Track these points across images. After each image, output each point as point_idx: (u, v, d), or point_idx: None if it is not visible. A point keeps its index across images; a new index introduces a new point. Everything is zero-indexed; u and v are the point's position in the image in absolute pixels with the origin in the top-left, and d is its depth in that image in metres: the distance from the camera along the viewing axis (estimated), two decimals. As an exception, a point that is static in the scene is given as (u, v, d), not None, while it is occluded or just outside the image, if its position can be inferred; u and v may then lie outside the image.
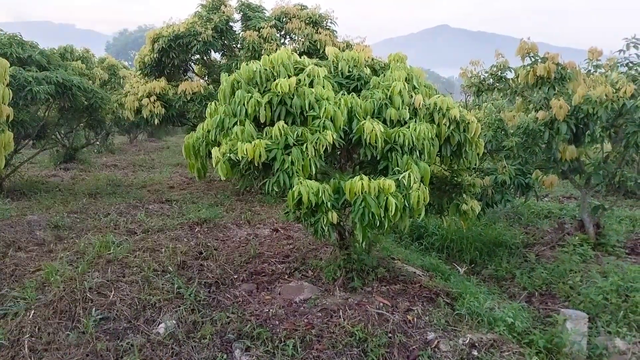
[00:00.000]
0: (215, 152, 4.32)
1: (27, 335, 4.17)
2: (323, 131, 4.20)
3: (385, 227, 3.91)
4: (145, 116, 8.69)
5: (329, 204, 3.97)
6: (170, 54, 8.77)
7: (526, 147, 6.53)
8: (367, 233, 4.00)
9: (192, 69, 10.26)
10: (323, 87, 4.57)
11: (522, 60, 6.90)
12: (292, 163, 4.11)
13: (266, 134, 4.35)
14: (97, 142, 15.58)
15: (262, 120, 4.42)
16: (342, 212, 4.65)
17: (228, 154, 4.28)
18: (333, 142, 4.20)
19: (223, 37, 8.96)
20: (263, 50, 8.40)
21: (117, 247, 5.87)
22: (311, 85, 4.66)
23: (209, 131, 4.93)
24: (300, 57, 8.15)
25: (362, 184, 3.88)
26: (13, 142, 5.32)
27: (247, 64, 4.74)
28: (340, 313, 4.76)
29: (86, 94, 9.28)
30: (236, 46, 9.42)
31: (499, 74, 7.41)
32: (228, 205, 8.71)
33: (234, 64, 8.42)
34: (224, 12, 8.93)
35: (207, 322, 4.52)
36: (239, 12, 9.33)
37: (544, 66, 6.57)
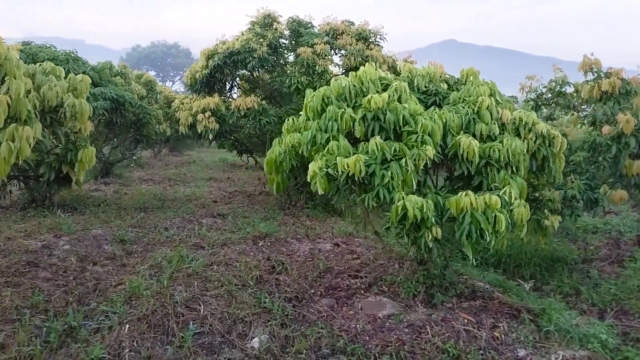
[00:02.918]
0: (313, 166, 4.35)
1: (127, 350, 4.18)
2: (421, 146, 4.22)
3: (493, 243, 3.91)
4: (200, 131, 8.79)
5: (433, 219, 3.98)
6: (224, 71, 8.89)
7: (593, 162, 6.52)
8: (475, 250, 3.99)
9: (237, 84, 10.38)
10: (415, 102, 4.60)
11: (584, 75, 6.92)
12: (392, 178, 4.13)
13: (361, 149, 4.38)
14: (134, 157, 15.71)
15: (357, 135, 4.46)
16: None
17: (325, 169, 4.31)
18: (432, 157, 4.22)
19: (276, 53, 9.08)
20: (317, 66, 8.50)
21: (192, 261, 5.89)
22: (399, 100, 4.69)
23: (292, 146, 5.00)
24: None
25: (470, 199, 3.89)
26: (95, 158, 5.40)
27: (336, 80, 4.80)
28: (428, 329, 4.74)
29: (135, 109, 9.40)
30: (285, 62, 9.53)
31: (558, 88, 7.43)
32: (281, 220, 8.72)
33: (287, 80, 8.52)
34: (276, 29, 9.07)
35: (298, 337, 4.52)
36: (288, 29, 9.46)
37: (609, 81, 6.59)
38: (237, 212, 9.31)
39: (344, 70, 8.98)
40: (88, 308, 4.81)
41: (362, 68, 5.01)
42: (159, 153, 24.09)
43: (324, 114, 4.65)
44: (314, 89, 8.80)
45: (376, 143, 4.25)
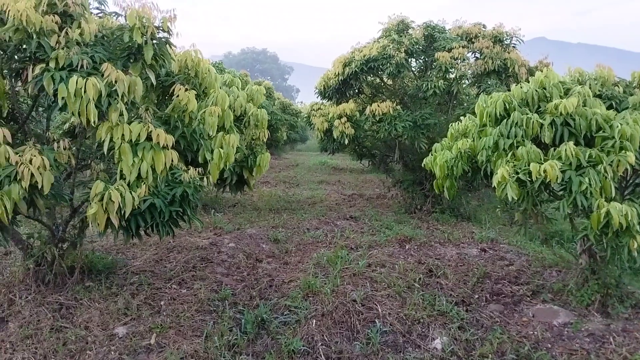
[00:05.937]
0: (501, 172, 4.37)
1: (320, 344, 4.42)
2: (620, 152, 4.12)
3: None
4: (335, 136, 9.08)
5: (638, 227, 3.87)
6: (360, 77, 9.14)
7: None
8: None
9: (363, 90, 10.58)
10: (603, 107, 4.50)
11: None
12: (590, 184, 4.06)
13: (551, 155, 4.35)
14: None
15: (546, 141, 4.43)
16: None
17: (514, 175, 4.32)
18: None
19: (411, 59, 9.19)
20: (454, 70, 8.51)
21: (352, 262, 6.11)
22: (584, 105, 4.61)
23: (464, 151, 5.06)
24: (489, 76, 8.12)
25: (683, 207, 3.75)
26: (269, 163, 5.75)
27: (516, 85, 4.80)
28: (611, 339, 4.60)
29: (270, 115, 9.85)
30: (409, 67, 9.57)
31: None
32: (414, 223, 8.78)
33: (424, 85, 8.59)
34: (412, 35, 9.18)
35: (478, 341, 4.56)
36: (422, 34, 9.48)
37: None
38: (366, 215, 9.49)
39: (478, 73, 8.88)
40: (270, 302, 5.14)
41: (537, 73, 4.97)
42: (262, 156, 24.99)
43: (505, 120, 4.66)
44: (449, 92, 8.88)
45: (570, 149, 4.20)
